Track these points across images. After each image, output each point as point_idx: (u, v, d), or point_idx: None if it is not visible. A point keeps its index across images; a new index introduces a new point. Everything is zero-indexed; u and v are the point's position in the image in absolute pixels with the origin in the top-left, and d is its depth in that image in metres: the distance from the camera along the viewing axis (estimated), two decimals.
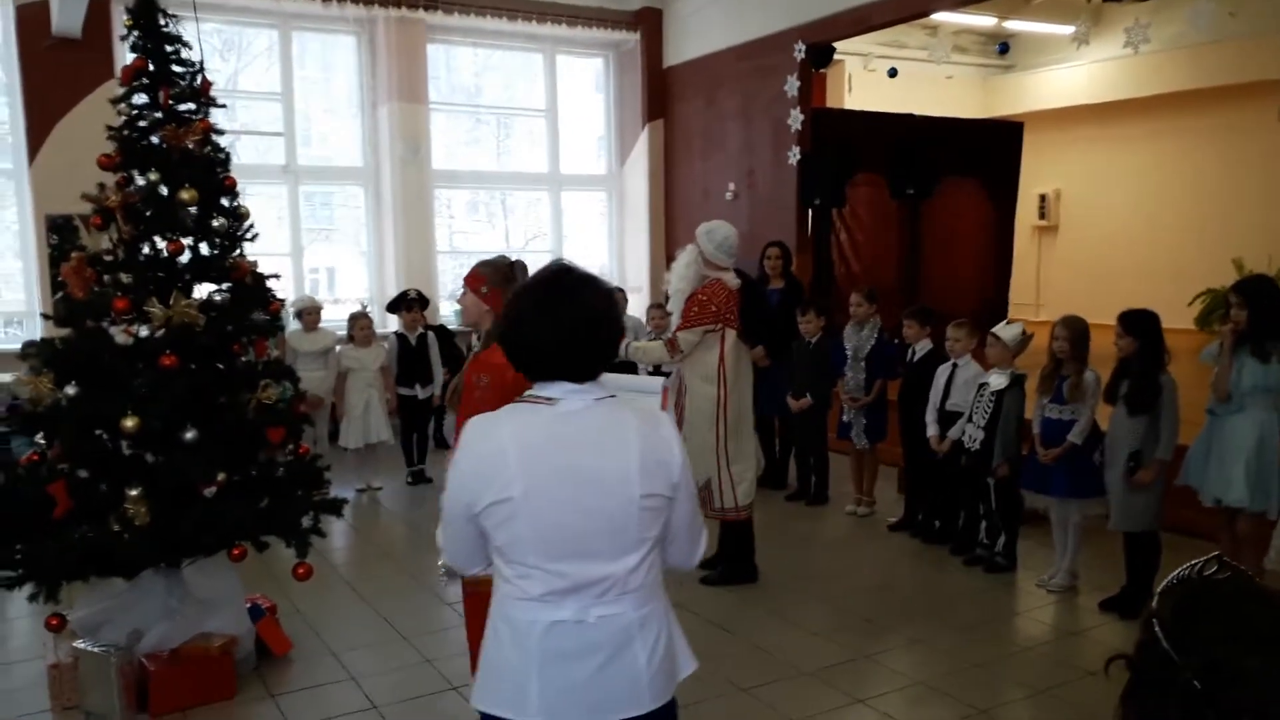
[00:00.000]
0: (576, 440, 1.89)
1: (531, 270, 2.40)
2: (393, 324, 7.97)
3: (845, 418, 6.39)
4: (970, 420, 5.37)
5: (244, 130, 9.05)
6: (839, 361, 6.32)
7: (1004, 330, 5.38)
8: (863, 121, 9.67)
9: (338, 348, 7.43)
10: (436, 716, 3.89)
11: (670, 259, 10.31)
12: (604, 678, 1.89)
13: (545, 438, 1.88)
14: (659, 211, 10.67)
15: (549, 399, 1.92)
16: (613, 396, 1.97)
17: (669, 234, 10.65)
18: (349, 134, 9.88)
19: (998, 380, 5.28)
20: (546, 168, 10.80)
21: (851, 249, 9.57)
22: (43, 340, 4.09)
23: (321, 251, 10.22)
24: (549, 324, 1.91)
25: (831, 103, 10.54)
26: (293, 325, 7.36)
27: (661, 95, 10.51)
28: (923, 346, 5.92)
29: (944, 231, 10.10)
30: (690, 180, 10.29)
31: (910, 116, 9.85)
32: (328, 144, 10.13)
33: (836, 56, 9.23)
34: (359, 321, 7.35)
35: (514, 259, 3.51)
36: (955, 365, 5.57)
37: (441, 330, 8.25)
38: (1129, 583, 4.76)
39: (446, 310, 9.47)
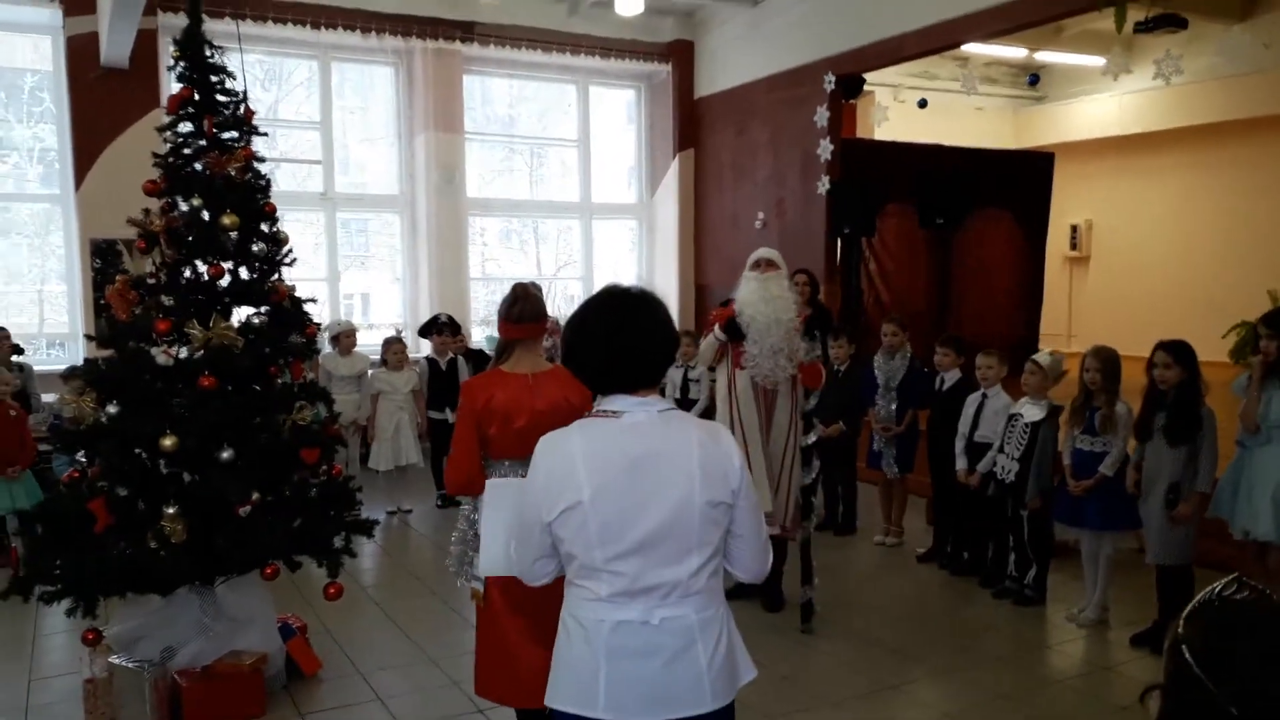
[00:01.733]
0: (641, 449, 1.99)
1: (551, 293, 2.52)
2: (426, 348, 8.06)
3: (876, 447, 6.37)
4: (1002, 451, 5.34)
5: (283, 158, 9.24)
6: (869, 390, 6.32)
7: (1044, 358, 5.35)
8: (892, 152, 9.70)
9: (370, 371, 7.53)
10: None
11: (700, 286, 10.48)
12: (667, 676, 1.98)
13: (612, 447, 2.00)
14: (689, 240, 10.75)
15: (615, 413, 2.04)
16: (674, 409, 2.09)
17: (698, 262, 10.72)
18: (386, 162, 10.06)
19: (1034, 411, 5.25)
20: (578, 196, 10.93)
21: (881, 278, 9.58)
22: (86, 361, 4.21)
23: (357, 277, 10.39)
24: (603, 340, 2.05)
25: (861, 133, 10.58)
26: (328, 349, 7.48)
27: (692, 125, 10.62)
28: (952, 376, 5.90)
29: (974, 261, 10.09)
30: (720, 209, 10.36)
31: (940, 147, 9.88)
32: (365, 172, 10.32)
33: (867, 87, 9.29)
34: (392, 346, 7.45)
35: (528, 283, 3.58)
36: (985, 395, 5.54)
37: (477, 355, 8.34)
38: (1161, 617, 4.69)
39: (479, 335, 9.57)
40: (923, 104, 10.52)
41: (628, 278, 11.41)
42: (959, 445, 5.58)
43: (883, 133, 10.45)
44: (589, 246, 11.02)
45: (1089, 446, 4.91)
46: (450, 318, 8.02)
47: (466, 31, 9.48)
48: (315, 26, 8.80)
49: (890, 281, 9.59)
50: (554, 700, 2.06)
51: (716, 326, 5.08)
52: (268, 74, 9.64)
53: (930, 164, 9.61)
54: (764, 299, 4.95)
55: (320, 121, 9.43)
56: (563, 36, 9.90)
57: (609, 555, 1.96)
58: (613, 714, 1.97)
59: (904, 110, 10.59)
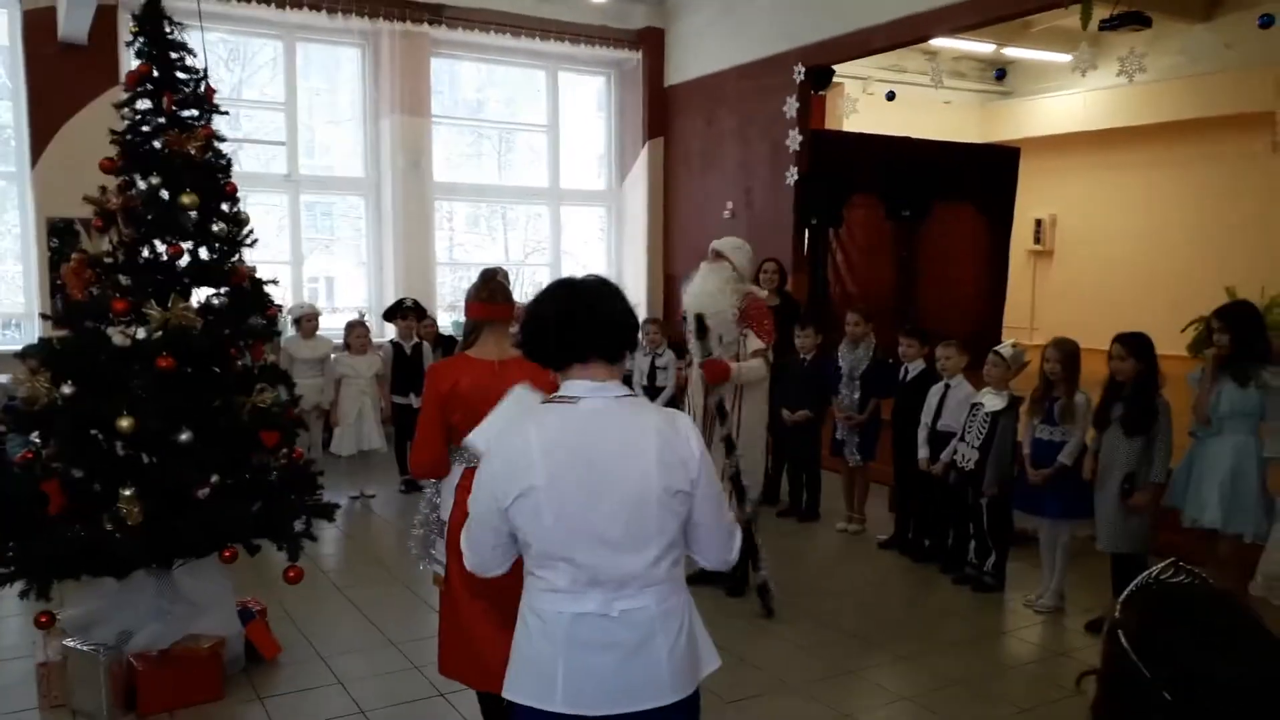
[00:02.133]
0: (597, 435, 1.97)
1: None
2: (391, 333, 8.00)
3: (839, 435, 6.42)
4: (963, 440, 5.40)
5: (247, 139, 9.11)
6: (834, 379, 6.36)
7: (1006, 349, 5.42)
8: (860, 143, 9.75)
9: (333, 355, 7.46)
10: None
11: (669, 275, 10.49)
12: (627, 668, 1.96)
13: (567, 433, 1.97)
14: (658, 228, 10.74)
15: (572, 398, 2.01)
16: (633, 395, 2.08)
17: (667, 250, 10.71)
18: (351, 145, 9.94)
19: (994, 401, 5.31)
20: (547, 183, 10.87)
21: (847, 269, 9.63)
22: (40, 340, 4.13)
23: (321, 261, 10.27)
24: (558, 308, 2.06)
25: (830, 124, 10.62)
26: (290, 332, 7.39)
27: (662, 113, 10.60)
28: (915, 366, 5.95)
29: (939, 253, 10.17)
30: (689, 198, 10.36)
31: (907, 140, 9.94)
32: (329, 154, 10.19)
33: (836, 79, 9.32)
34: (355, 330, 7.38)
35: (496, 268, 3.57)
36: (948, 386, 5.60)
37: (447, 340, 8.28)
38: None
39: (445, 321, 9.51)
40: (890, 96, 10.57)
41: (596, 264, 11.39)
42: (922, 434, 5.63)
43: (851, 124, 10.49)
44: (557, 233, 10.98)
45: (1048, 436, 4.98)
46: (415, 302, 7.95)
47: (435, 14, 9.39)
48: (280, 6, 8.67)
49: (856, 272, 9.66)
50: (512, 693, 2.04)
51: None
52: (231, 54, 9.48)
53: (897, 156, 9.68)
54: (705, 293, 4.97)
55: (285, 103, 9.29)
56: (532, 21, 9.83)
57: (565, 544, 1.94)
58: (570, 707, 1.94)
59: (872, 102, 10.64)
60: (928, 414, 5.62)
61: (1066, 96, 12.26)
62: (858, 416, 6.30)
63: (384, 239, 9.74)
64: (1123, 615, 1.17)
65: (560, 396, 2.04)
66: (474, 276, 3.43)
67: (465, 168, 10.79)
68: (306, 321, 7.40)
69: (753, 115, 9.35)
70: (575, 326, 2.03)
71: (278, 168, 9.28)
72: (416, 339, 7.69)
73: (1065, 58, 10.80)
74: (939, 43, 10.18)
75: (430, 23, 9.38)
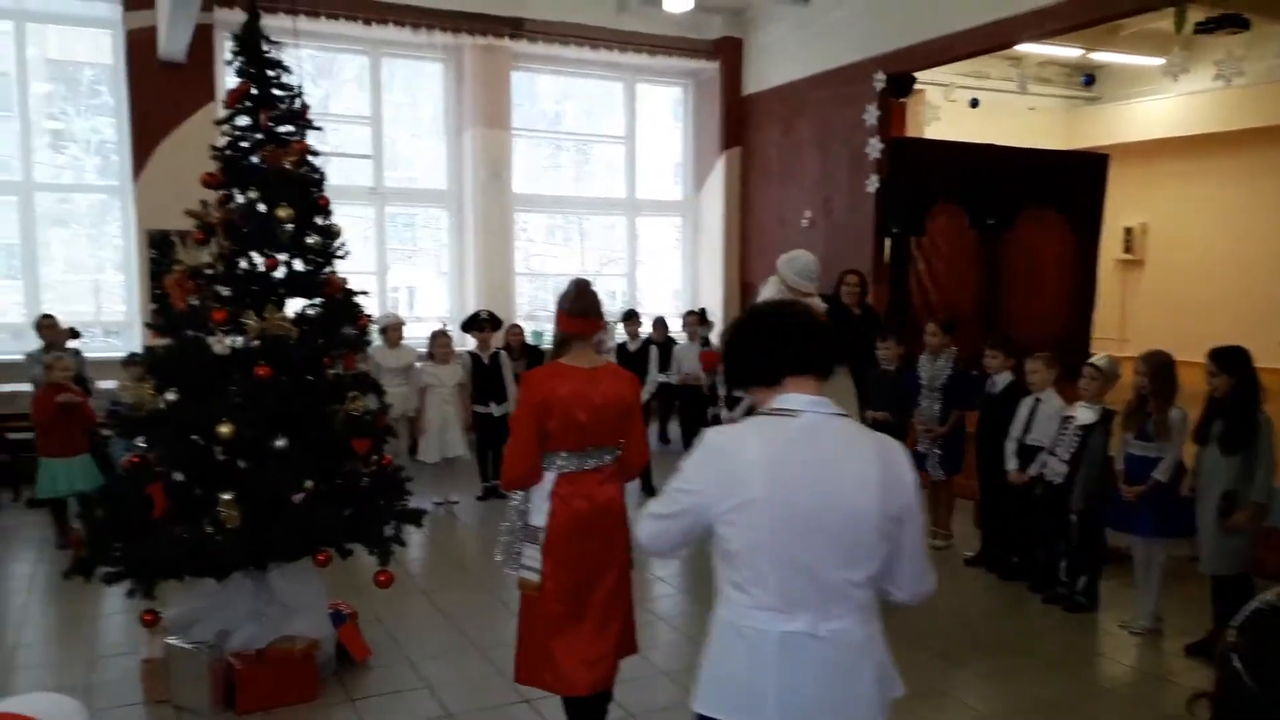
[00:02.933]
0: (818, 451, 1.94)
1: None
2: (473, 343, 8.12)
3: (920, 448, 6.31)
4: (1053, 454, 5.26)
5: (333, 152, 9.35)
6: (915, 391, 6.26)
7: (1102, 362, 5.27)
8: (943, 151, 9.58)
9: (418, 364, 7.61)
10: None
11: (745, 284, 10.47)
12: (836, 689, 1.94)
13: (790, 448, 1.94)
14: (734, 237, 10.72)
15: (791, 411, 1.97)
16: (844, 414, 2.03)
17: (744, 260, 10.69)
18: (431, 157, 10.15)
19: (1086, 414, 5.17)
20: (624, 193, 10.94)
21: (930, 278, 9.47)
22: (145, 348, 4.30)
23: (403, 271, 10.49)
24: (773, 321, 2.07)
25: (911, 132, 10.46)
26: (376, 341, 7.56)
27: (739, 123, 10.59)
28: (1003, 378, 5.82)
29: (1025, 263, 9.93)
30: (766, 207, 10.32)
31: (991, 147, 9.74)
32: (411, 167, 10.42)
33: (917, 86, 9.19)
34: (439, 340, 7.53)
35: (585, 279, 3.62)
36: (1038, 399, 5.47)
37: (533, 350, 8.38)
38: (1216, 627, 4.60)
39: (527, 331, 9.60)
40: (974, 104, 10.39)
41: (672, 274, 11.42)
42: (1010, 447, 5.51)
43: (933, 131, 10.33)
44: (633, 243, 11.03)
45: (1142, 452, 4.83)
46: (491, 314, 8.09)
47: (515, 28, 9.53)
48: (367, 22, 8.91)
49: (939, 282, 9.48)
50: (712, 708, 1.99)
51: None
52: (318, 69, 9.76)
53: (981, 164, 9.48)
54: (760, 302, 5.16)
55: (370, 117, 9.53)
56: (610, 34, 9.91)
57: (780, 561, 1.90)
58: None
59: (955, 109, 10.46)
60: (1017, 427, 5.50)
61: (1158, 101, 11.86)
62: (938, 429, 6.18)
63: (465, 250, 9.92)
64: (1237, 639, 1.14)
65: (778, 409, 1.99)
66: (550, 287, 3.51)
67: (543, 179, 10.92)
68: (392, 331, 7.57)
69: (832, 123, 9.27)
70: (792, 339, 2.02)
71: (362, 180, 9.51)
72: (495, 349, 7.80)
73: (1157, 61, 10.45)
74: (1024, 48, 9.96)
75: (511, 37, 9.54)
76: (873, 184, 8.78)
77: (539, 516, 3.21)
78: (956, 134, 10.05)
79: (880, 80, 8.68)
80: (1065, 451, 5.19)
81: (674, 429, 9.53)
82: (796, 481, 1.91)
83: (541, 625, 3.25)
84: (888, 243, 8.93)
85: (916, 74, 8.82)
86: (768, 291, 5.16)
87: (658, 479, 7.88)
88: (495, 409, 7.66)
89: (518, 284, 10.24)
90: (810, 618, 1.91)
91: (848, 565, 1.92)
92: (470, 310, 9.05)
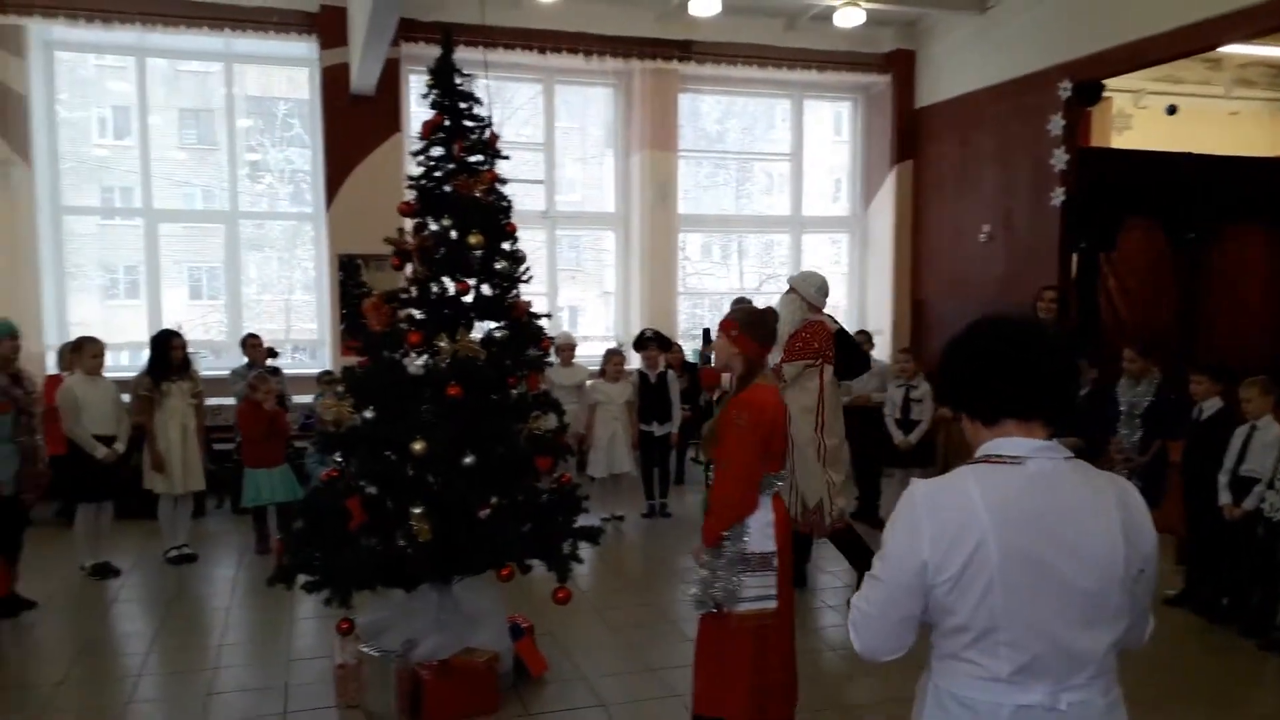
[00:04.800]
0: (1053, 502, 1.72)
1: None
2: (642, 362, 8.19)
3: None
4: (1272, 487, 4.82)
5: (509, 178, 9.65)
6: (1112, 417, 5.89)
7: None
8: (1135, 161, 9.01)
9: (589, 382, 7.76)
10: None
11: (917, 302, 10.15)
12: None
13: (1021, 501, 1.71)
14: (904, 254, 10.42)
15: (1014, 458, 1.75)
16: (1076, 458, 1.80)
17: (916, 276, 10.37)
18: (596, 179, 10.35)
19: None
20: (788, 210, 10.84)
21: (1121, 296, 8.90)
22: (345, 369, 4.54)
23: (567, 291, 10.72)
24: (999, 350, 1.79)
25: (1097, 141, 9.90)
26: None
27: (911, 136, 10.30)
28: (1211, 405, 5.39)
29: (1228, 280, 9.19)
30: (941, 222, 9.99)
31: (1190, 156, 9.09)
32: (574, 189, 10.65)
33: (1105, 93, 8.68)
34: (613, 358, 7.66)
35: (763, 306, 3.62)
36: (1254, 427, 5.03)
37: (693, 369, 8.41)
38: None
39: (686, 349, 9.65)
40: (1172, 110, 9.72)
41: (838, 291, 11.20)
42: (1223, 479, 5.09)
43: (1123, 141, 9.74)
44: (797, 260, 10.89)
45: None
46: (656, 332, 8.15)
47: (684, 51, 9.61)
48: (542, 51, 9.17)
49: (1132, 300, 8.89)
50: None
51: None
52: (492, 97, 10.10)
53: (1179, 174, 8.85)
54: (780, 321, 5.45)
55: (543, 143, 9.81)
56: (779, 51, 9.85)
57: (1012, 625, 1.69)
58: None
59: (1147, 117, 9.83)
60: (1230, 458, 5.08)
61: None
62: (1139, 458, 5.79)
63: (631, 270, 10.05)
64: None
65: (999, 455, 1.76)
66: (707, 306, 3.54)
67: (705, 198, 10.96)
68: (565, 350, 7.75)
69: (1012, 134, 8.88)
70: (1026, 380, 1.77)
71: (532, 204, 9.78)
72: (662, 368, 7.85)
73: None
74: (1225, 49, 9.27)
75: (680, 59, 9.61)
76: (1058, 197, 8.34)
77: (766, 542, 3.20)
78: (1149, 143, 9.44)
79: (1066, 88, 8.25)
80: None
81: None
82: (1031, 535, 1.69)
83: (724, 655, 3.22)
84: (1074, 259, 8.46)
85: (1105, 81, 8.34)
86: (785, 310, 5.30)
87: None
88: (658, 428, 7.70)
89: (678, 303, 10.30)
90: (1048, 689, 1.71)
91: (1093, 627, 1.71)
92: (635, 330, 9.16)
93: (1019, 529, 1.69)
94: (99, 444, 6.12)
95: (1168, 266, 9.04)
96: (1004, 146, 9.01)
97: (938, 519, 1.73)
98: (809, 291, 5.45)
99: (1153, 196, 8.70)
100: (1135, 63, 7.88)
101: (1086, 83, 8.23)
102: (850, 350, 5.70)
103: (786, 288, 5.61)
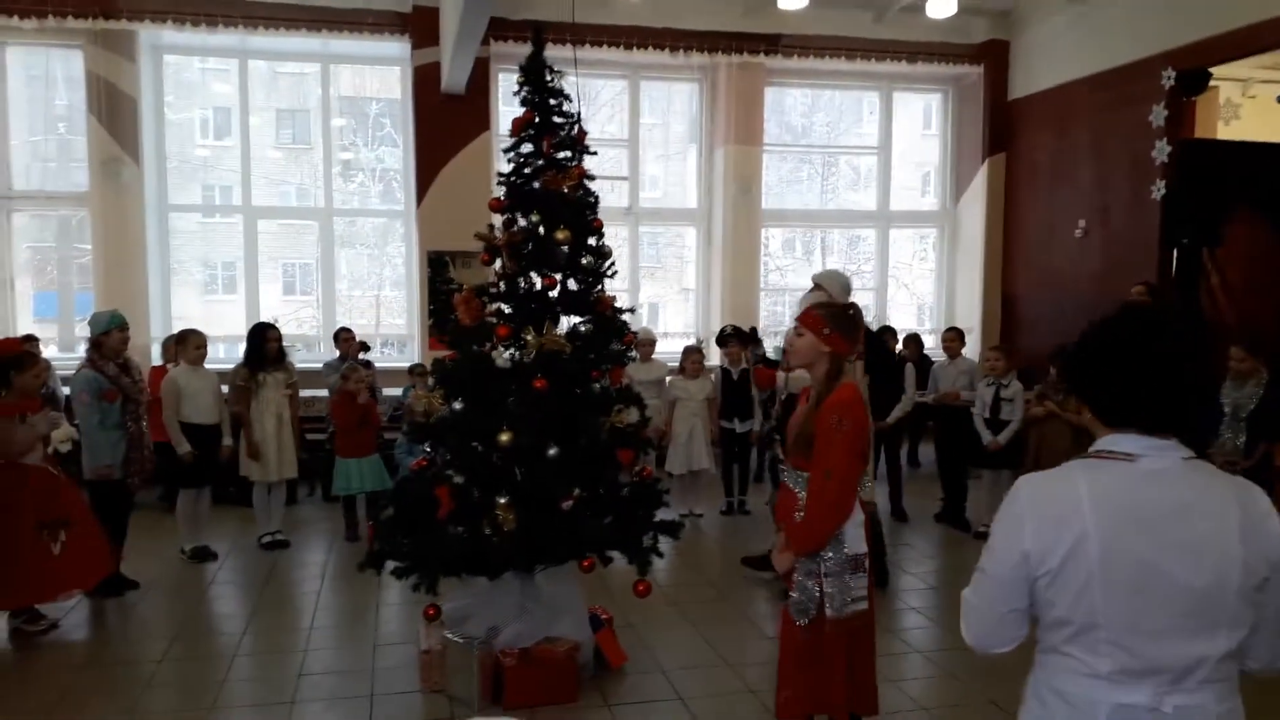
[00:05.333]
0: (1166, 502, 1.68)
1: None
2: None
3: None
4: None
5: (593, 175, 9.73)
6: (1214, 419, 5.66)
7: None
8: (1243, 152, 8.62)
9: (669, 378, 7.77)
10: None
11: (1008, 297, 9.90)
12: None
13: (1130, 499, 1.68)
14: (995, 249, 10.18)
15: (1127, 455, 1.71)
16: (1198, 456, 1.74)
17: (1006, 272, 10.12)
18: (678, 175, 10.35)
19: None
20: (875, 204, 10.68)
21: (1225, 293, 8.53)
22: (435, 361, 4.64)
23: (647, 287, 10.77)
24: (1124, 361, 1.72)
25: (1201, 133, 9.49)
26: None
27: (1004, 128, 10.05)
28: None
29: None
30: (1034, 216, 9.73)
31: None
32: (656, 186, 10.67)
33: (1211, 82, 8.33)
34: (691, 355, 7.66)
35: (849, 302, 3.55)
36: None
37: (773, 365, 8.33)
38: None
39: (767, 346, 9.57)
40: None
41: (925, 287, 11.01)
42: None
43: (1229, 132, 9.32)
44: (884, 255, 10.73)
45: None
46: (735, 328, 8.10)
47: (771, 44, 9.55)
48: (627, 48, 9.21)
49: (1237, 297, 8.52)
50: None
51: None
52: (577, 93, 10.18)
53: None
54: None
55: (628, 139, 9.85)
56: (868, 43, 9.72)
57: (1117, 623, 1.66)
58: None
59: (1257, 106, 9.39)
60: None
61: None
62: (1243, 462, 5.55)
63: (712, 266, 10.02)
64: None
65: (1110, 451, 1.73)
66: (788, 302, 3.49)
67: (788, 193, 10.87)
68: (644, 346, 7.77)
69: (1111, 126, 8.60)
70: (1167, 399, 1.70)
71: (615, 200, 9.83)
72: (745, 364, 7.80)
73: None
74: None
75: (766, 53, 9.55)
76: (1158, 190, 8.05)
77: (859, 544, 3.18)
78: (1259, 133, 9.02)
79: (1169, 77, 7.95)
80: None
81: (927, 451, 9.16)
82: (1136, 534, 1.65)
83: (806, 657, 3.21)
84: (1175, 253, 8.15)
85: (1211, 69, 8.00)
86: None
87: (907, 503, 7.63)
88: (739, 425, 7.67)
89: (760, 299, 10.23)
90: (1152, 690, 1.66)
91: (1204, 632, 1.65)
92: (715, 326, 9.14)
93: (1123, 527, 1.66)
94: (184, 440, 6.27)
95: (1276, 262, 8.63)
96: (1102, 138, 8.73)
97: (1039, 512, 1.72)
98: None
99: (1263, 189, 8.32)
100: (1244, 50, 7.56)
101: (1191, 71, 7.93)
102: (875, 346, 5.62)
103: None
